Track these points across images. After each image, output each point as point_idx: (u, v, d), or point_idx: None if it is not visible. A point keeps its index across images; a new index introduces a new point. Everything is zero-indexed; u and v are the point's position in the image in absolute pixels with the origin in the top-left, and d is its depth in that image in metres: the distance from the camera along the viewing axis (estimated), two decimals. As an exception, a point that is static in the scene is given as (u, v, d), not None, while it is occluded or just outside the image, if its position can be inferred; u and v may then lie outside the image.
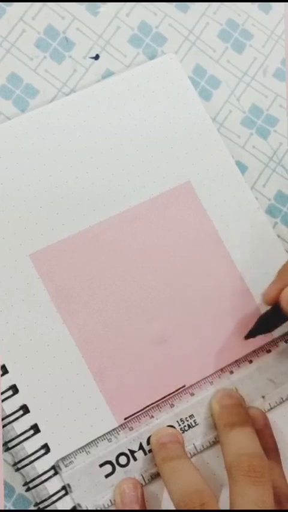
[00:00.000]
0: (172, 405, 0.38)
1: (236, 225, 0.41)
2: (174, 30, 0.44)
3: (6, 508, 0.36)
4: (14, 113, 0.41)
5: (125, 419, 0.37)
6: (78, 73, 0.42)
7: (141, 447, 0.37)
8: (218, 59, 0.44)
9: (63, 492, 0.36)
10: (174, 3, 0.44)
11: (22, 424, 0.36)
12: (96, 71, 0.42)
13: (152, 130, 0.41)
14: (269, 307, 0.38)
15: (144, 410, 0.38)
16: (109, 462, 0.36)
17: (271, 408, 0.39)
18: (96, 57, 0.43)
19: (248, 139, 0.43)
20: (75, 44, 0.42)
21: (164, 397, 0.38)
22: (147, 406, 0.38)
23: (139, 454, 0.37)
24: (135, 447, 0.37)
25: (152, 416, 0.37)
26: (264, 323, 0.38)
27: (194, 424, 0.38)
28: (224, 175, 0.42)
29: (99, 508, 0.36)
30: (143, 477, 0.37)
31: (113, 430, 0.37)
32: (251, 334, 0.39)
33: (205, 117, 0.42)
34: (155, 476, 0.37)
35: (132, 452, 0.37)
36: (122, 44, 0.43)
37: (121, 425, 0.37)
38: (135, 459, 0.37)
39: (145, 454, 0.37)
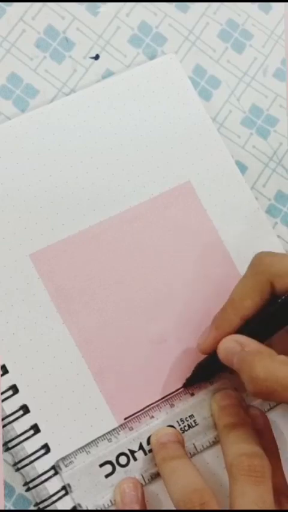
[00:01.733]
0: (172, 405, 0.38)
1: (236, 225, 0.41)
2: (174, 30, 0.44)
3: (6, 508, 0.36)
4: (14, 113, 0.41)
5: (125, 419, 0.37)
6: (78, 73, 0.42)
7: (141, 447, 0.37)
8: (218, 59, 0.44)
9: (63, 492, 0.36)
10: (174, 3, 0.44)
11: (22, 424, 0.36)
12: (96, 71, 0.42)
13: (152, 130, 0.41)
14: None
15: (144, 410, 0.38)
16: (109, 462, 0.36)
17: (270, 408, 0.39)
18: (96, 57, 0.43)
19: (248, 139, 0.43)
20: (75, 44, 0.42)
21: (164, 397, 0.38)
22: (147, 406, 0.38)
23: (139, 454, 0.37)
24: (135, 447, 0.37)
25: (152, 417, 0.37)
26: (202, 371, 0.38)
27: (194, 424, 0.38)
28: (224, 175, 0.42)
29: (99, 508, 0.36)
30: (143, 477, 0.37)
31: (113, 430, 0.37)
32: (189, 383, 0.38)
33: (205, 117, 0.42)
34: (155, 476, 0.37)
35: (132, 452, 0.37)
36: (122, 44, 0.43)
37: (121, 425, 0.37)
38: (135, 459, 0.37)
39: (145, 454, 0.37)
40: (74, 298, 0.38)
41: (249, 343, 0.35)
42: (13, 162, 0.39)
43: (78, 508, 0.36)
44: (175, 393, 0.38)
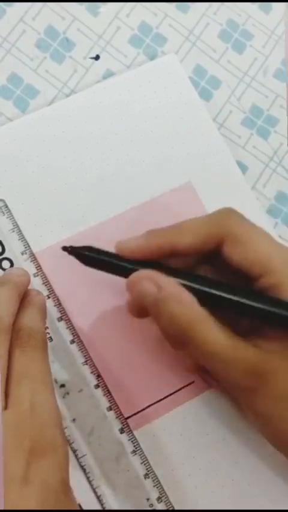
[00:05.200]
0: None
1: (237, 225, 0.41)
2: (175, 30, 0.44)
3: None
4: (14, 113, 0.41)
5: (127, 418, 0.37)
6: (79, 73, 0.42)
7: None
8: (218, 59, 0.44)
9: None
10: (174, 4, 0.44)
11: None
12: (96, 72, 0.42)
13: (152, 130, 0.41)
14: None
15: (145, 409, 0.38)
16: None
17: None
18: (97, 57, 0.43)
19: (249, 140, 0.43)
20: (75, 45, 0.42)
21: (165, 397, 0.38)
22: (148, 405, 0.38)
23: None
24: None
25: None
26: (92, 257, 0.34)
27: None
28: (225, 176, 0.42)
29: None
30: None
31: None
32: (72, 251, 0.34)
33: (205, 117, 0.42)
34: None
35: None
36: (122, 44, 0.43)
37: (123, 424, 0.37)
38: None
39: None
40: (74, 298, 0.38)
41: (168, 285, 0.32)
42: (12, 164, 0.39)
43: (79, 508, 0.36)
44: (176, 392, 0.38)
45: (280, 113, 0.44)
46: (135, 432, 0.37)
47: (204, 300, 0.32)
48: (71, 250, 0.35)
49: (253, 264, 0.32)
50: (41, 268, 0.38)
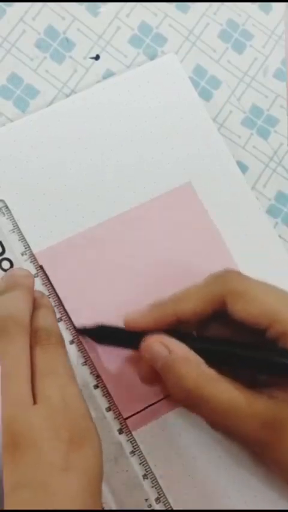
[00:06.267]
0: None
1: (237, 225, 0.41)
2: (175, 30, 0.44)
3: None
4: (14, 113, 0.41)
5: (126, 418, 0.37)
6: (79, 73, 0.42)
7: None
8: (218, 59, 0.44)
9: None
10: (174, 3, 0.44)
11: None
12: (96, 72, 0.42)
13: (152, 131, 0.41)
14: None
15: (146, 409, 0.38)
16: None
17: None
18: (97, 57, 0.43)
19: (249, 140, 0.43)
20: (75, 45, 0.42)
21: (165, 397, 0.38)
22: (149, 405, 0.38)
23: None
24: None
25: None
26: (105, 333, 0.36)
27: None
28: (225, 176, 0.42)
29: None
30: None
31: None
32: (84, 332, 0.37)
33: (205, 117, 0.42)
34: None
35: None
36: (122, 44, 0.43)
37: (122, 425, 0.37)
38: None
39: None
40: (74, 298, 0.38)
41: (177, 348, 0.33)
42: (11, 165, 0.39)
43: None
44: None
45: (280, 113, 0.44)
46: (134, 433, 0.37)
47: (214, 359, 0.33)
48: (84, 331, 0.37)
49: (258, 317, 0.33)
50: (41, 268, 0.38)
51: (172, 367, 0.32)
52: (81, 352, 0.37)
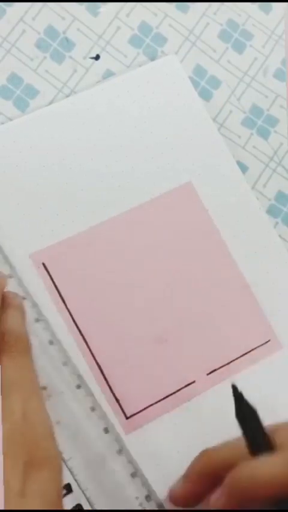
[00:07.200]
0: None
1: (237, 225, 0.41)
2: (175, 30, 0.44)
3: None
4: (14, 113, 0.41)
5: (127, 418, 0.37)
6: (79, 73, 0.42)
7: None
8: (218, 59, 0.44)
9: (64, 491, 0.36)
10: (174, 3, 0.44)
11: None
12: (96, 72, 0.42)
13: (152, 131, 0.41)
14: None
15: (145, 410, 0.38)
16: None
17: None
18: (97, 57, 0.43)
19: (249, 140, 0.43)
20: (75, 45, 0.42)
21: (166, 396, 0.38)
22: (149, 405, 0.38)
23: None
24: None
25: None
26: None
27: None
28: (225, 176, 0.42)
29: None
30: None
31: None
32: None
33: (205, 117, 0.42)
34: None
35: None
36: (122, 44, 0.43)
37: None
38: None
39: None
40: (74, 298, 0.38)
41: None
42: (11, 164, 0.39)
43: (79, 508, 0.36)
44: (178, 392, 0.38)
45: (280, 113, 0.44)
46: (132, 433, 0.37)
47: None
48: None
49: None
50: (43, 266, 0.38)
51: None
52: (62, 352, 0.37)
